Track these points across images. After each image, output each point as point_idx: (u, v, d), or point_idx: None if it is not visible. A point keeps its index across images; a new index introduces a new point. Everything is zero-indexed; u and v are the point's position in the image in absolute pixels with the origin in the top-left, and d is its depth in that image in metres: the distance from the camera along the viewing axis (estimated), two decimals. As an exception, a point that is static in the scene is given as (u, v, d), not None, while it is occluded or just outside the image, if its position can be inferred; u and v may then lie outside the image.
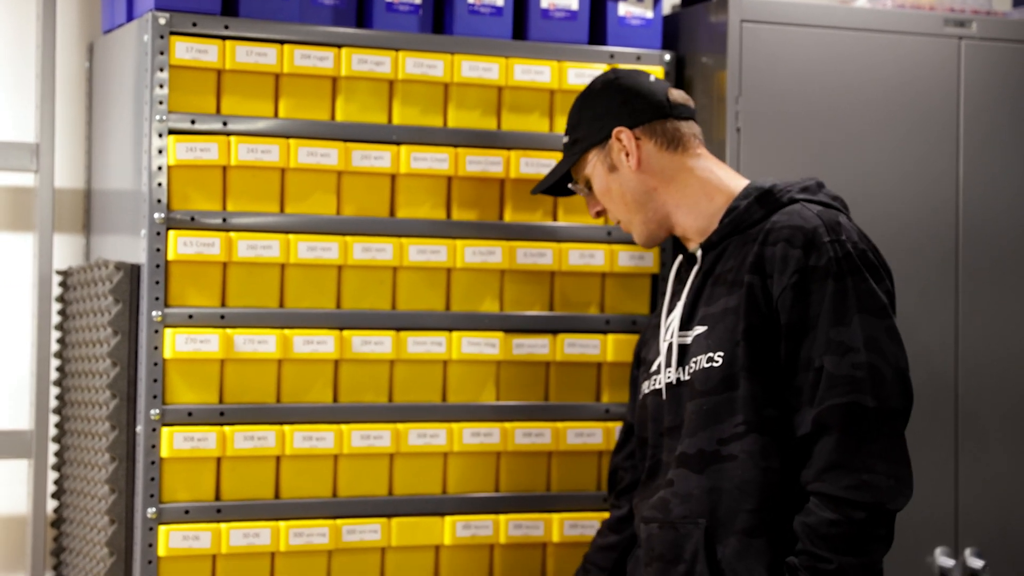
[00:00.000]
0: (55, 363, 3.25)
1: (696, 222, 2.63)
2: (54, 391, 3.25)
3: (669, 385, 2.57)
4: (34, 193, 3.28)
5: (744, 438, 2.44)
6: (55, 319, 3.26)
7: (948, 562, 3.17)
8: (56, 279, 3.26)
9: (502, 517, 3.02)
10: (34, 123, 3.30)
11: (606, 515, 3.02)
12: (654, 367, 2.64)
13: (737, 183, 2.63)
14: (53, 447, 3.25)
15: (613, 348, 3.10)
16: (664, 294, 2.72)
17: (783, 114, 3.11)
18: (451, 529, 2.98)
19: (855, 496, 2.34)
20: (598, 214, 2.77)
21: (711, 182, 2.64)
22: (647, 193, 2.65)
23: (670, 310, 2.63)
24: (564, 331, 3.10)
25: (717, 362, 2.48)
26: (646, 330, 2.81)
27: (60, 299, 3.24)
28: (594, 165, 2.70)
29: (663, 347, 2.60)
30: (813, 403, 2.39)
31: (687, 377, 2.53)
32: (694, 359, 2.52)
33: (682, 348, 2.56)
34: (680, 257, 2.69)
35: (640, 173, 2.64)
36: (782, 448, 2.43)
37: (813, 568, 2.35)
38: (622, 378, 3.13)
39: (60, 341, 3.24)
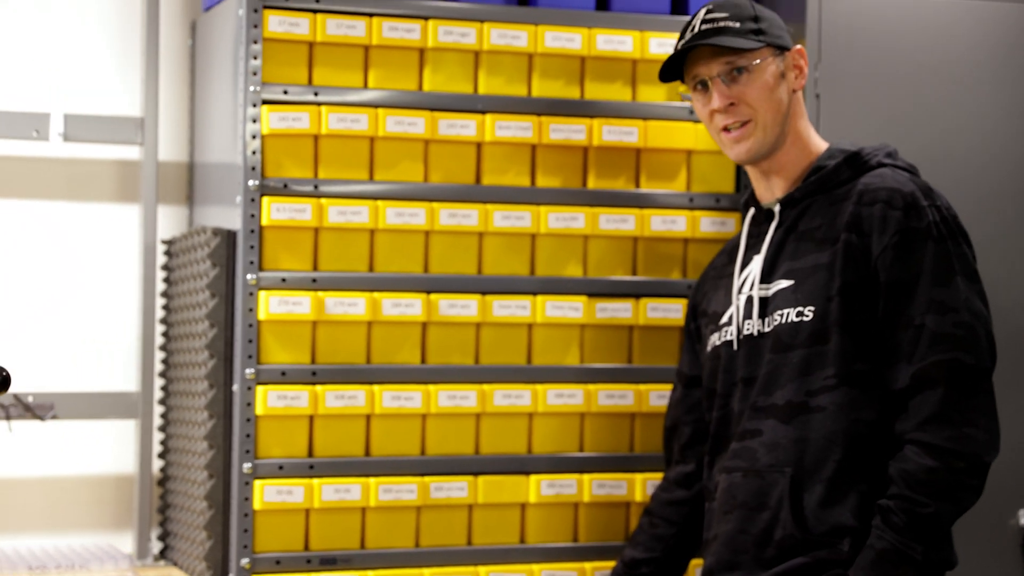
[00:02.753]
0: (161, 328, 3.39)
1: (788, 167, 2.69)
2: (160, 355, 3.40)
3: (747, 337, 2.64)
4: (140, 166, 3.44)
5: (835, 391, 2.52)
6: (160, 286, 3.40)
7: (1033, 524, 3.18)
8: (161, 248, 3.41)
9: (586, 476, 3.10)
10: (139, 99, 3.45)
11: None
12: (724, 319, 2.71)
13: (821, 143, 2.73)
14: (159, 409, 3.40)
15: (695, 311, 3.16)
16: (734, 248, 2.77)
17: (862, 80, 3.13)
18: (536, 487, 3.07)
19: (956, 446, 2.44)
20: (729, 106, 2.65)
21: (808, 136, 2.73)
22: (786, 116, 2.68)
23: (745, 263, 2.70)
24: (647, 295, 3.16)
25: (807, 316, 2.56)
26: (703, 283, 2.87)
27: (165, 267, 3.39)
28: (768, 63, 2.65)
29: (739, 300, 2.67)
30: (912, 359, 2.48)
31: (768, 329, 2.61)
32: (778, 312, 2.60)
33: (763, 301, 2.63)
34: (752, 211, 2.75)
35: (794, 95, 2.70)
36: (871, 400, 2.52)
37: (910, 511, 2.43)
38: (704, 341, 3.19)
39: (165, 307, 3.38)
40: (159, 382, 3.40)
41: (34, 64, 3.41)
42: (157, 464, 3.40)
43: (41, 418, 3.33)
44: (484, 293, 3.07)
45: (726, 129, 2.68)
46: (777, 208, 2.67)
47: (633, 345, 3.17)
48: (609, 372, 3.14)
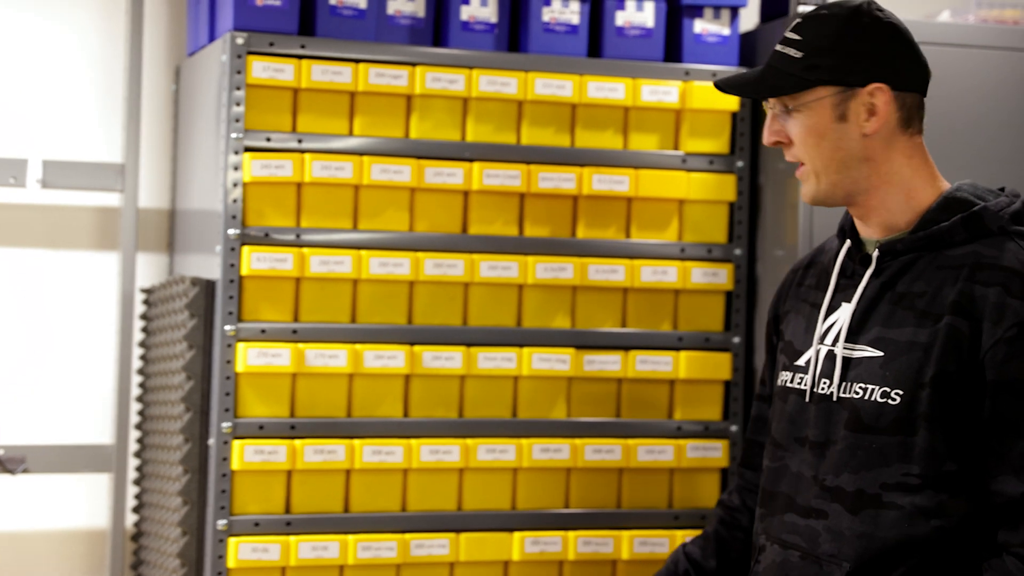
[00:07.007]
0: (137, 379, 3.31)
1: (885, 216, 2.31)
2: (136, 407, 3.31)
3: (822, 395, 2.30)
4: (119, 213, 3.36)
5: (918, 492, 2.21)
6: (138, 336, 3.32)
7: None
8: (140, 296, 3.33)
9: (571, 533, 3.01)
10: (120, 145, 3.38)
11: (676, 533, 3.00)
12: (801, 360, 2.36)
13: (935, 188, 2.32)
14: (134, 462, 3.31)
15: (686, 365, 3.08)
16: (824, 273, 2.39)
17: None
18: (520, 545, 2.98)
19: None
20: (776, 143, 2.33)
21: (916, 181, 2.31)
22: (858, 160, 2.28)
23: (832, 307, 2.34)
24: (636, 348, 3.08)
25: (894, 400, 2.22)
26: (786, 295, 2.46)
27: (144, 316, 3.31)
28: (822, 103, 2.28)
29: (820, 350, 2.33)
30: (1022, 474, 2.15)
31: (845, 395, 2.28)
32: (860, 384, 2.26)
33: (844, 361, 2.29)
34: (848, 243, 2.36)
35: (866, 139, 2.28)
36: (958, 505, 2.20)
37: None
38: (695, 395, 3.11)
39: (143, 358, 3.30)
40: (135, 434, 3.31)
41: (12, 109, 3.34)
42: (131, 519, 3.31)
43: (12, 472, 3.24)
44: (469, 345, 2.99)
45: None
46: (875, 254, 2.30)
47: (621, 398, 3.09)
48: (596, 426, 3.06)
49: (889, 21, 2.28)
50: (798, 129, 2.29)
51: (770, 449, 2.38)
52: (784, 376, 2.39)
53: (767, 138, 2.33)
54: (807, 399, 2.32)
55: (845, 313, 2.30)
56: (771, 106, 2.32)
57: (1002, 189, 2.32)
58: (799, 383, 2.35)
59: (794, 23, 2.31)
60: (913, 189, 2.30)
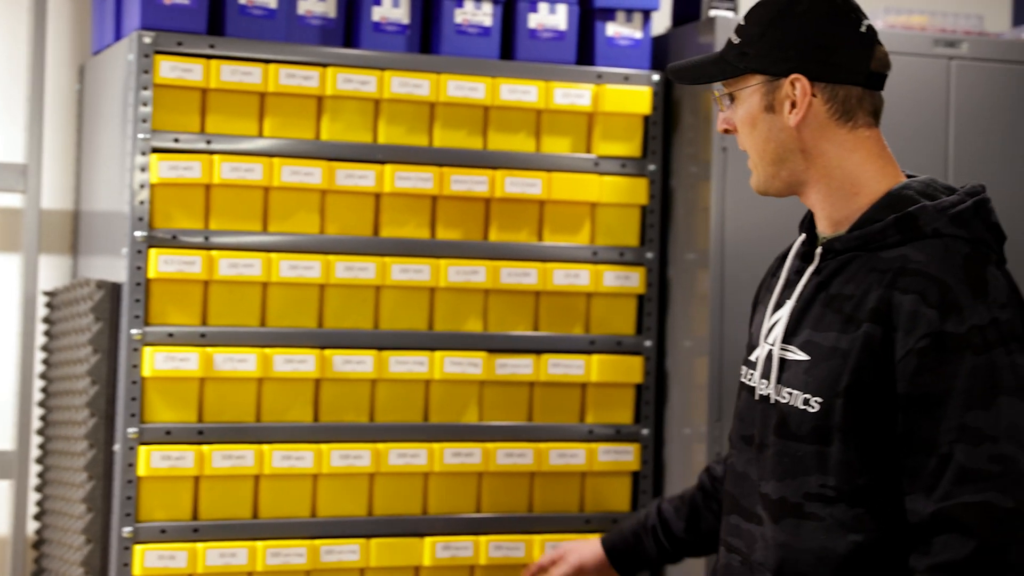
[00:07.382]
0: (40, 384, 3.24)
1: (828, 210, 2.20)
2: (38, 412, 3.24)
3: (763, 396, 2.21)
4: (22, 214, 3.29)
5: (833, 504, 2.11)
6: (41, 340, 3.25)
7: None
8: (42, 300, 3.26)
9: (483, 538, 3.00)
10: (23, 144, 3.30)
11: (588, 536, 2.99)
12: (753, 356, 2.26)
13: (885, 184, 2.19)
14: (36, 468, 3.24)
15: (598, 368, 3.08)
16: (781, 265, 2.30)
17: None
18: (431, 550, 2.96)
19: None
20: (725, 131, 2.26)
21: (862, 177, 2.19)
22: (792, 152, 2.20)
23: (778, 304, 2.24)
24: (548, 351, 3.08)
25: (813, 407, 2.13)
26: (761, 286, 2.37)
27: (46, 320, 3.24)
28: (752, 91, 2.20)
29: (763, 349, 2.24)
30: (932, 493, 2.03)
31: (778, 398, 2.18)
32: (788, 389, 2.17)
33: (781, 362, 2.20)
34: (803, 237, 2.26)
35: (795, 130, 2.18)
36: (873, 521, 2.10)
37: None
38: (607, 399, 3.11)
39: (45, 362, 3.23)
40: (36, 440, 3.24)
41: (-90, 105, 3.27)
42: (32, 526, 3.23)
43: (-90, 478, 3.16)
44: (380, 349, 2.96)
45: None
46: (818, 252, 2.20)
47: (533, 402, 3.08)
48: (508, 430, 3.05)
49: (832, 10, 2.17)
50: (736, 117, 2.22)
51: (729, 447, 2.31)
52: (741, 370, 2.30)
53: (718, 125, 2.26)
54: (755, 397, 2.23)
55: (786, 312, 2.20)
56: (719, 96, 2.24)
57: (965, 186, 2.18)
58: (748, 379, 2.26)
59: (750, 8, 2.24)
60: (859, 185, 2.18)
